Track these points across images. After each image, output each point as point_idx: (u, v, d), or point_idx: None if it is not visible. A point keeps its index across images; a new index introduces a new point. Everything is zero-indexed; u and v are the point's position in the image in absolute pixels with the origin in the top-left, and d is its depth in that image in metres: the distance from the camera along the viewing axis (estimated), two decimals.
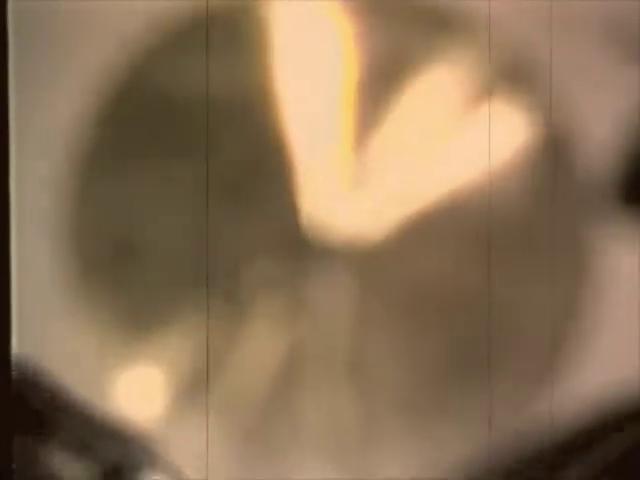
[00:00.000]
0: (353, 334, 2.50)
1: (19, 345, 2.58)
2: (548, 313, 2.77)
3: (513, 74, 2.44)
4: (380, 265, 2.47)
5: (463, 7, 2.85)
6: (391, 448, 2.65)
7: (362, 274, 2.48)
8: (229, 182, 2.50)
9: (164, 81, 2.59)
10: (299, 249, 2.46)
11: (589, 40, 2.76)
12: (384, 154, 2.53)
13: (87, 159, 2.54)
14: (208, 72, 2.45)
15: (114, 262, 2.49)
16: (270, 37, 2.53)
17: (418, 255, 2.44)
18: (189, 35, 2.53)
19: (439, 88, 2.42)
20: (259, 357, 2.51)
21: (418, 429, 2.40)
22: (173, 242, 2.49)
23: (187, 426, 2.39)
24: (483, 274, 2.47)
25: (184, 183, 2.52)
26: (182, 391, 2.44)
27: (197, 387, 2.48)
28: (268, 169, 2.45)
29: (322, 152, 2.50)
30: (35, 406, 2.32)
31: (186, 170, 2.53)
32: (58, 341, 2.34)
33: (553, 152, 2.44)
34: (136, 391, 2.41)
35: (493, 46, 2.55)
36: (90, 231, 2.54)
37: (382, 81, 2.56)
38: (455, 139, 2.42)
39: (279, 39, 2.65)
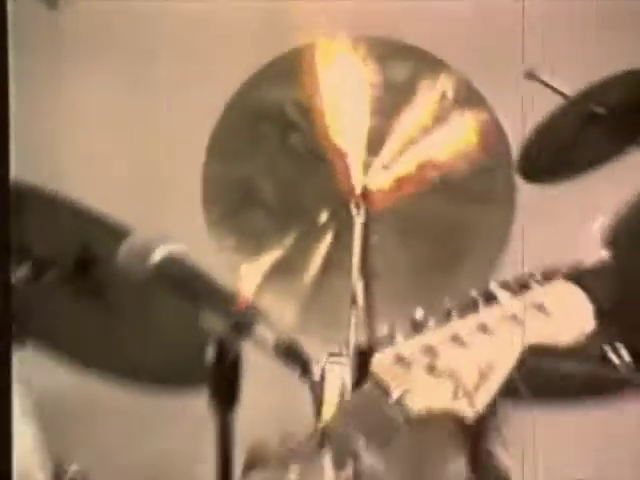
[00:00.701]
0: (376, 248, 3.65)
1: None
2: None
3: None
4: (389, 207, 3.68)
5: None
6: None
7: (379, 213, 3.67)
8: (302, 159, 3.73)
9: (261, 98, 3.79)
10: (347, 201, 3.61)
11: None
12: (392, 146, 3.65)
13: (223, 144, 3.70)
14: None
15: (239, 208, 3.66)
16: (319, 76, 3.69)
17: (413, 201, 3.62)
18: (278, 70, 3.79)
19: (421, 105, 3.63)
20: (318, 260, 3.75)
21: (416, 290, 3.55)
22: (274, 197, 3.68)
23: (280, 303, 3.51)
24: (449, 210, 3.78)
25: (282, 159, 3.75)
26: (276, 281, 3.62)
27: (285, 279, 3.66)
28: (325, 155, 3.63)
29: (357, 146, 3.62)
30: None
31: (284, 151, 3.75)
32: (203, 257, 2.64)
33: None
34: (250, 283, 3.43)
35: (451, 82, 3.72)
36: (227, 188, 3.73)
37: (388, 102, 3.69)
38: (429, 135, 3.64)
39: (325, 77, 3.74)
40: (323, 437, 2.25)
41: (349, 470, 2.47)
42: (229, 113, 3.76)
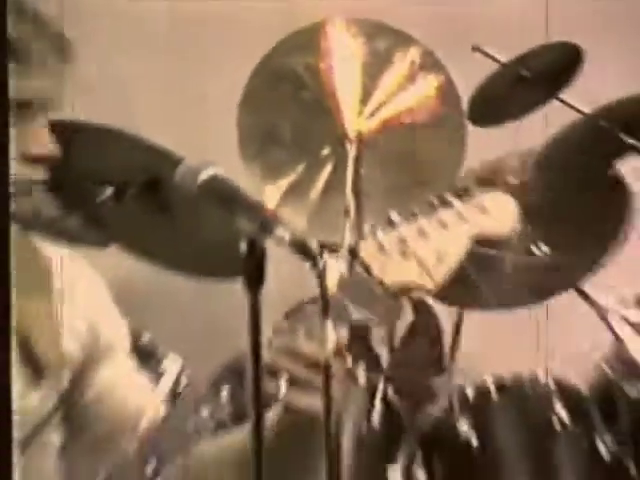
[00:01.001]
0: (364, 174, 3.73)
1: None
2: None
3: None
4: (374, 144, 3.76)
5: None
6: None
7: (367, 149, 3.74)
8: (310, 109, 3.83)
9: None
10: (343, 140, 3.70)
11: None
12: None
13: (252, 99, 3.77)
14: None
15: (264, 146, 3.79)
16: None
17: (391, 139, 3.74)
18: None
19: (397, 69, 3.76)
20: (321, 184, 3.78)
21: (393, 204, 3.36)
22: (289, 138, 3.81)
23: (293, 214, 3.60)
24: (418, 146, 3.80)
25: (295, 109, 3.83)
26: (290, 198, 3.67)
27: (297, 197, 3.72)
28: (327, 105, 3.70)
29: (351, 99, 3.67)
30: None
31: (297, 103, 3.85)
32: (238, 181, 2.48)
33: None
34: (272, 200, 3.55)
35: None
36: (255, 131, 3.83)
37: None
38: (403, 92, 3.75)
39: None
40: (326, 306, 2.17)
41: (344, 331, 2.63)
42: (256, 76, 3.82)
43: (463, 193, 2.44)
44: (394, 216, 2.44)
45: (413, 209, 2.44)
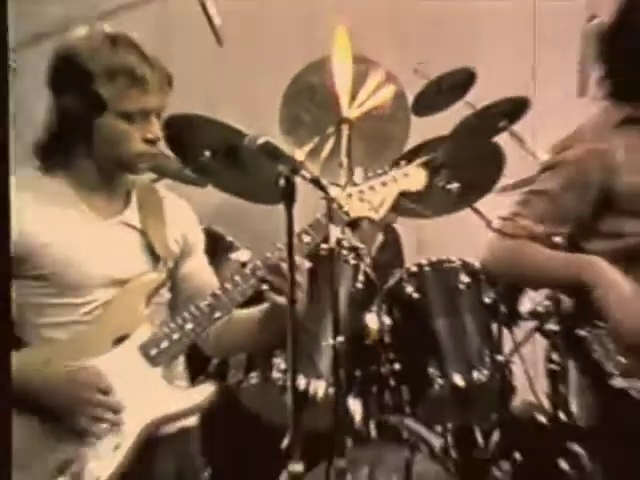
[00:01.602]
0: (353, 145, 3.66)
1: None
2: None
3: None
4: (360, 126, 3.69)
5: None
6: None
7: (355, 129, 3.65)
8: (320, 105, 3.76)
9: None
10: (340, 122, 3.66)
11: None
12: None
13: (288, 99, 3.75)
14: None
15: (294, 126, 3.74)
16: None
17: (369, 123, 3.69)
18: None
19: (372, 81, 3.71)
20: (327, 151, 3.76)
21: (367, 161, 3.17)
22: (310, 121, 3.76)
23: (310, 166, 3.47)
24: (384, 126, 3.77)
25: (312, 105, 3.75)
26: (308, 157, 3.62)
27: (312, 157, 3.71)
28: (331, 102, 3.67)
29: (345, 97, 3.65)
30: None
31: (313, 102, 3.74)
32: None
33: None
34: (299, 157, 3.50)
35: None
36: (289, 117, 3.76)
37: None
38: (375, 93, 3.71)
39: None
40: (330, 216, 2.46)
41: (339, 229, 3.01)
42: (290, 86, 3.80)
43: (396, 165, 2.60)
44: (356, 177, 2.61)
45: (369, 173, 2.59)
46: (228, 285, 2.40)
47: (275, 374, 3.37)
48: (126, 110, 2.31)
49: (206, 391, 2.43)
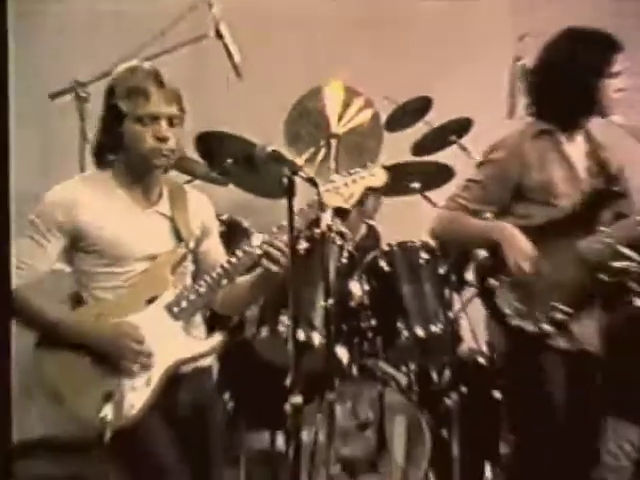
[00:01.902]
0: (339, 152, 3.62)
1: None
2: None
3: None
4: (345, 139, 3.63)
5: None
6: None
7: (341, 141, 3.60)
8: (316, 125, 3.67)
9: None
10: (330, 137, 3.60)
11: None
12: None
13: (290, 118, 3.65)
14: None
15: (294, 139, 3.64)
16: None
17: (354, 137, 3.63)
18: None
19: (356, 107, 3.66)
20: (319, 158, 3.66)
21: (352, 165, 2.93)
22: (306, 135, 3.66)
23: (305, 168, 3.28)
24: (364, 140, 3.66)
25: (308, 125, 3.64)
26: (305, 163, 3.53)
27: (308, 163, 3.59)
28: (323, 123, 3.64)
29: (334, 119, 3.64)
30: None
31: (309, 122, 3.65)
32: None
33: None
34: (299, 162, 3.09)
35: None
36: (291, 132, 3.66)
37: None
38: (358, 115, 3.67)
39: None
40: (321, 207, 2.42)
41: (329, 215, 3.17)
42: (292, 110, 3.73)
43: (366, 167, 2.59)
44: (334, 177, 2.57)
45: (343, 173, 2.58)
46: (233, 259, 2.43)
47: (281, 328, 3.40)
48: (136, 114, 2.32)
49: (215, 340, 2.48)
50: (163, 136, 2.34)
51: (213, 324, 3.17)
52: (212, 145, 3.65)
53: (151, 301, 2.40)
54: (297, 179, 2.36)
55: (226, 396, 3.63)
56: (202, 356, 2.47)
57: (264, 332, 3.46)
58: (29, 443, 4.00)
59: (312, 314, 3.39)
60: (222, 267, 2.42)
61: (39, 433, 4.10)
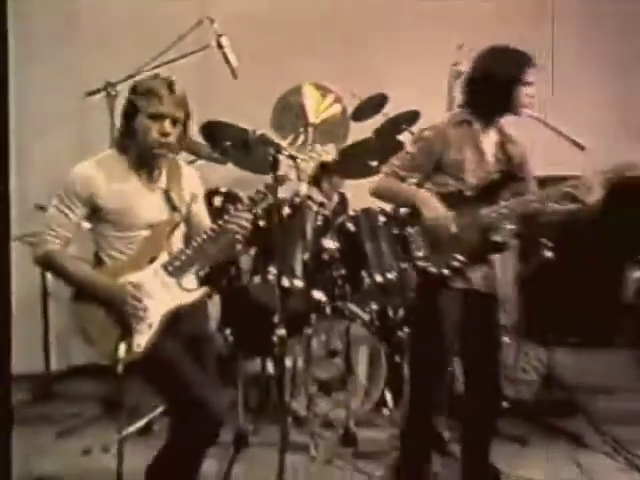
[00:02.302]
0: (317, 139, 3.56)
1: None
2: None
3: None
4: (321, 128, 3.58)
5: None
6: None
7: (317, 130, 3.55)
8: (297, 116, 3.61)
9: None
10: (308, 126, 3.55)
11: None
12: None
13: (276, 111, 3.63)
14: None
15: (279, 128, 3.60)
16: None
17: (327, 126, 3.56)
18: None
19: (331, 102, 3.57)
20: (299, 142, 3.57)
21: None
22: (289, 126, 3.60)
23: (290, 148, 3.42)
24: (335, 129, 3.61)
25: (291, 116, 3.60)
26: (288, 145, 3.40)
27: (291, 146, 3.49)
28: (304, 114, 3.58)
29: (314, 113, 3.59)
30: None
31: (292, 115, 3.59)
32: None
33: None
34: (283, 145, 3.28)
35: None
36: (276, 123, 3.62)
37: None
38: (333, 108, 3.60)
39: None
40: (299, 176, 2.54)
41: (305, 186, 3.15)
42: (277, 103, 3.73)
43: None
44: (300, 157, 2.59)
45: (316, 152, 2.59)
46: (215, 227, 2.42)
47: (269, 277, 3.41)
48: (148, 112, 2.33)
49: (202, 291, 2.47)
50: (165, 132, 2.34)
51: (212, 276, 3.22)
52: (214, 131, 3.61)
53: (152, 261, 2.39)
54: (281, 157, 2.48)
55: (227, 332, 3.61)
56: (193, 303, 2.45)
57: (256, 280, 3.47)
58: (75, 369, 4.12)
59: (294, 265, 3.40)
60: (206, 233, 2.40)
61: (82, 361, 4.13)
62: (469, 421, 2.76)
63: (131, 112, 2.35)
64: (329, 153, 2.54)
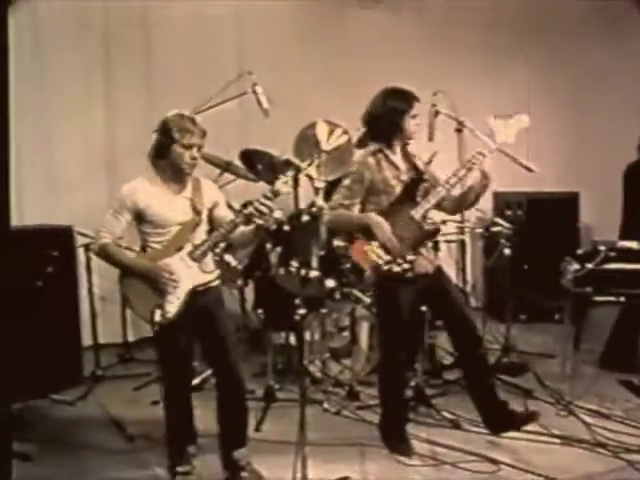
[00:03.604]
0: None
1: None
2: None
3: None
4: (330, 156, 3.34)
5: None
6: None
7: None
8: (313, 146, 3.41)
9: None
10: None
11: None
12: None
13: (298, 140, 3.47)
14: None
15: (300, 154, 3.41)
16: None
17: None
18: None
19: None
20: None
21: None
22: (307, 153, 3.37)
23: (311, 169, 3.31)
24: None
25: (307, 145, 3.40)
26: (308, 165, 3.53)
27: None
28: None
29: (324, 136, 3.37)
30: None
31: (306, 142, 3.39)
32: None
33: None
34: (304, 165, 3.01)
35: None
36: (297, 151, 3.48)
37: None
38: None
39: None
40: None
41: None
42: (299, 135, 3.57)
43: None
44: (309, 169, 2.62)
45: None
46: (229, 221, 2.41)
47: (292, 269, 3.33)
48: (182, 143, 2.37)
49: (216, 273, 2.50)
50: (195, 157, 2.41)
51: (248, 269, 3.44)
52: (249, 157, 3.57)
53: (179, 250, 2.43)
54: (300, 176, 2.63)
55: (259, 311, 3.53)
56: (210, 282, 2.48)
57: (282, 271, 3.38)
58: (145, 339, 3.91)
59: (311, 260, 3.32)
60: (222, 227, 2.42)
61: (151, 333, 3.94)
62: (469, 373, 2.75)
63: (168, 143, 2.37)
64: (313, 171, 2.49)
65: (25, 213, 3.76)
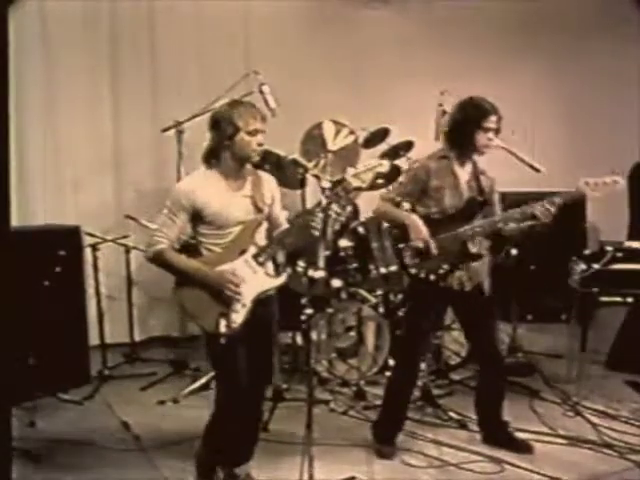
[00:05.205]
0: None
1: None
2: None
3: None
4: (336, 155, 3.30)
5: None
6: None
7: None
8: (317, 143, 3.37)
9: None
10: None
11: None
12: None
13: (305, 139, 3.45)
14: None
15: (307, 153, 3.39)
16: None
17: None
18: None
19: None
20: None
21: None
22: (313, 151, 3.37)
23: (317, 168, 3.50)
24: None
25: (314, 144, 3.37)
26: (315, 166, 3.39)
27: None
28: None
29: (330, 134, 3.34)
30: None
31: (314, 143, 3.36)
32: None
33: None
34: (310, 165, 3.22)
35: None
36: (303, 150, 3.46)
37: None
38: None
39: None
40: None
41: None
42: (305, 134, 3.55)
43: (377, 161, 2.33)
44: (357, 166, 2.33)
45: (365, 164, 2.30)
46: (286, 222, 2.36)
47: (299, 269, 3.36)
48: (248, 130, 2.21)
49: (282, 278, 2.35)
50: (261, 143, 2.25)
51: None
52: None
53: (242, 253, 2.25)
54: (307, 176, 2.39)
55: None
56: (275, 288, 2.34)
57: (289, 271, 3.35)
58: (152, 338, 4.14)
59: (318, 260, 3.13)
60: (280, 231, 2.34)
61: (157, 333, 4.18)
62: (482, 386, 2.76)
63: (232, 132, 2.20)
64: (383, 165, 2.29)
65: (32, 213, 3.76)
